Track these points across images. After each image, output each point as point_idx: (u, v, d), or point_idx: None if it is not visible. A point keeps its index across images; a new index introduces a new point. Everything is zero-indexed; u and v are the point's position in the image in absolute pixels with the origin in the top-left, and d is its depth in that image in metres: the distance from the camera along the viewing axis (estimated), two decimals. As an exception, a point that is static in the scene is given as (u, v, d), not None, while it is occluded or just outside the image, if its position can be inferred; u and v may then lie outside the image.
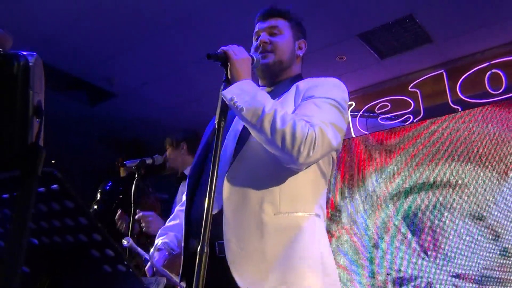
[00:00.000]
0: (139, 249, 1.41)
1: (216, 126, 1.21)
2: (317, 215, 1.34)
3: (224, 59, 1.34)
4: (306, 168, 1.29)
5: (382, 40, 4.21)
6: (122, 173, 2.88)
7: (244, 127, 1.37)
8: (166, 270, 1.37)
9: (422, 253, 3.90)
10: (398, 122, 4.63)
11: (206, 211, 1.07)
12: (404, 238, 4.04)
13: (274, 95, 1.42)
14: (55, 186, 0.79)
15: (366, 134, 4.76)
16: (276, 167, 1.28)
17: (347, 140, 4.74)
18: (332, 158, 1.45)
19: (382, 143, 4.52)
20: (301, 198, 1.32)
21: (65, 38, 4.21)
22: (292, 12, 1.61)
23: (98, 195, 2.78)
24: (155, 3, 3.76)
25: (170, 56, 4.48)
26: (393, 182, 4.29)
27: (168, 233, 1.53)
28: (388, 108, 4.71)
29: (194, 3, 3.75)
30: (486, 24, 3.93)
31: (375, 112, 4.80)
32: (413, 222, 4.03)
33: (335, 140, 1.27)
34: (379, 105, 4.78)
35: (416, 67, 4.57)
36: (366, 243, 4.26)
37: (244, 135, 1.36)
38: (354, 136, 4.83)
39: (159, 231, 1.54)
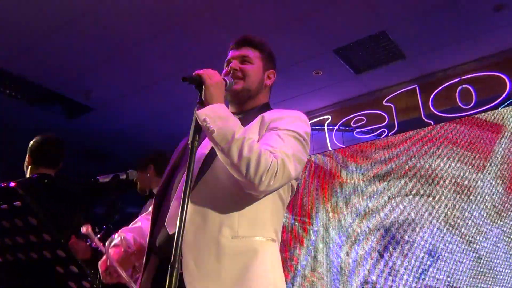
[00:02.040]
0: (96, 239, 1.42)
1: (189, 146, 1.24)
2: (273, 240, 1.39)
3: (199, 82, 1.37)
4: (265, 195, 1.34)
5: (357, 56, 4.31)
6: None
7: (209, 151, 1.41)
8: (119, 267, 1.38)
9: (394, 265, 3.95)
10: (373, 135, 4.71)
11: (178, 229, 1.10)
12: (377, 249, 4.09)
13: (242, 122, 1.44)
14: (17, 202, 0.79)
15: (342, 147, 4.82)
16: (237, 192, 1.32)
17: (323, 153, 4.80)
18: (292, 186, 1.52)
19: (357, 156, 4.59)
20: (259, 223, 1.37)
21: (41, 51, 4.18)
22: (264, 43, 1.66)
23: None
24: (131, 18, 3.77)
25: (146, 70, 4.49)
26: (366, 194, 4.35)
27: (127, 233, 1.55)
28: (364, 122, 4.80)
29: (169, 19, 3.78)
30: (457, 41, 4.06)
31: (351, 126, 4.87)
32: (385, 234, 4.08)
33: (295, 171, 1.33)
34: (355, 119, 4.86)
35: (390, 82, 4.68)
36: (337, 252, 4.30)
37: (209, 159, 1.40)
38: (330, 149, 4.89)
39: (119, 231, 1.55)
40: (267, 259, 1.33)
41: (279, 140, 1.35)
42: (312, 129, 5.28)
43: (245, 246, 1.31)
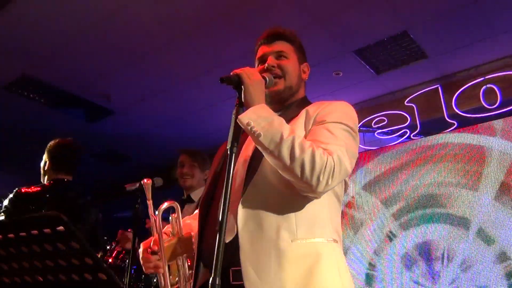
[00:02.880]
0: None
1: (229, 152, 1.18)
2: (335, 241, 1.30)
3: (237, 83, 1.29)
4: (322, 195, 1.25)
5: (378, 56, 4.26)
6: None
7: (254, 153, 1.34)
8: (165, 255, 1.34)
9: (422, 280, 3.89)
10: (395, 136, 4.66)
11: (218, 242, 1.04)
12: (403, 260, 4.04)
13: (285, 118, 1.36)
14: (60, 227, 0.80)
15: (364, 149, 4.78)
16: (291, 193, 1.25)
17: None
18: (345, 181, 1.43)
19: (383, 160, 4.53)
20: (318, 223, 1.28)
21: (63, 57, 4.23)
22: (295, 35, 1.58)
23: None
24: (150, 24, 3.79)
25: (165, 74, 4.51)
26: (394, 201, 4.29)
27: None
28: (385, 122, 4.75)
29: (187, 24, 3.78)
30: (480, 40, 3.99)
31: (372, 127, 4.82)
32: (415, 246, 4.02)
33: (351, 166, 1.26)
34: (376, 120, 4.81)
35: (412, 82, 4.62)
36: (362, 263, 4.26)
37: (255, 161, 1.32)
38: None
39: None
40: (333, 263, 1.25)
41: (330, 135, 1.27)
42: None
43: (307, 249, 1.23)
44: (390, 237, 4.17)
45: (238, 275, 1.21)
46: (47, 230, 0.81)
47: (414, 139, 4.48)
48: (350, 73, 4.50)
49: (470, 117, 4.15)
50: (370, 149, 4.72)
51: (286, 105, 1.51)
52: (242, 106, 1.27)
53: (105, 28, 3.85)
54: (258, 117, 1.22)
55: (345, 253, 4.29)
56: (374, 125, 4.81)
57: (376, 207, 4.34)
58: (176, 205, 1.43)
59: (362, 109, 4.99)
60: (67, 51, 4.15)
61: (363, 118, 4.88)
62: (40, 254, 0.87)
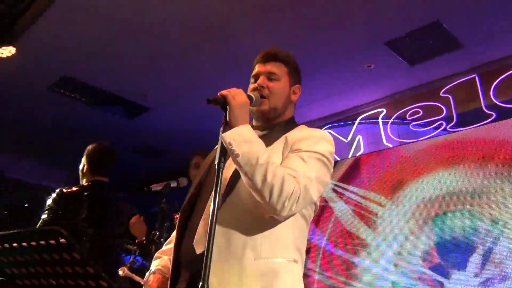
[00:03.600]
0: (135, 276, 1.50)
1: (216, 167, 1.26)
2: (295, 261, 1.40)
3: (223, 103, 1.37)
4: (285, 219, 1.36)
5: (411, 47, 4.16)
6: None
7: (234, 172, 1.41)
8: None
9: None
10: (431, 128, 4.54)
11: (207, 250, 1.14)
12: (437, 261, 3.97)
13: (266, 140, 1.46)
14: (62, 240, 0.88)
15: (399, 142, 4.70)
16: (260, 214, 1.34)
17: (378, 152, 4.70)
18: (315, 203, 1.52)
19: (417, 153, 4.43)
20: (281, 244, 1.38)
21: (101, 57, 4.41)
22: (291, 56, 1.64)
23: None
24: (183, 23, 3.88)
25: (198, 70, 4.60)
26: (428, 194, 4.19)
27: (163, 257, 1.59)
28: (420, 114, 4.63)
29: (219, 19, 3.84)
30: (518, 27, 3.81)
31: (406, 119, 4.73)
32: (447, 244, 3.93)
33: (317, 195, 1.37)
34: (410, 112, 4.71)
35: (447, 72, 4.48)
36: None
37: (233, 180, 1.41)
38: (385, 143, 4.78)
39: (155, 254, 1.62)
40: (288, 281, 1.35)
41: (302, 163, 1.36)
42: (366, 123, 5.19)
43: (267, 268, 1.33)
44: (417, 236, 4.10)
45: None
46: (52, 242, 0.89)
47: (451, 131, 4.36)
48: (382, 65, 4.42)
49: (510, 107, 3.99)
50: (406, 142, 4.64)
51: (272, 124, 1.57)
52: (228, 126, 1.35)
53: (141, 29, 3.98)
54: (240, 138, 1.30)
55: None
56: (408, 117, 4.71)
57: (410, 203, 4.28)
58: (160, 264, 1.56)
59: (396, 100, 4.90)
60: (105, 51, 4.32)
61: (397, 110, 4.80)
62: (49, 262, 0.96)
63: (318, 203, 1.54)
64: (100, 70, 4.66)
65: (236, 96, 1.38)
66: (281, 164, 1.38)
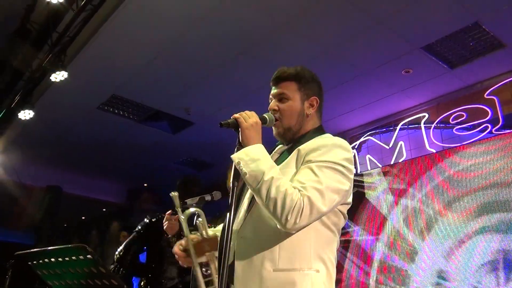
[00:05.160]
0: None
1: (231, 187, 1.37)
2: (317, 271, 1.39)
3: (236, 126, 1.44)
4: (298, 231, 1.36)
5: (451, 50, 4.08)
6: None
7: None
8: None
9: None
10: (476, 132, 4.40)
11: (222, 263, 1.25)
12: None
13: (285, 156, 1.53)
14: (89, 256, 0.99)
15: (442, 147, 4.59)
16: (277, 228, 1.38)
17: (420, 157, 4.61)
18: (340, 211, 1.49)
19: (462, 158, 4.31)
20: (299, 255, 1.39)
21: (145, 76, 4.65)
22: (300, 71, 1.64)
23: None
24: (222, 39, 4.03)
25: (239, 84, 4.73)
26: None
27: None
28: (464, 118, 4.50)
29: (260, 32, 3.95)
30: None
31: (450, 123, 4.61)
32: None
33: (328, 204, 1.35)
34: (454, 115, 4.59)
35: (491, 74, 4.34)
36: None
37: (253, 197, 1.47)
38: (428, 148, 4.69)
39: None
40: None
41: (311, 175, 1.37)
42: (407, 128, 5.09)
43: (285, 279, 1.36)
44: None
45: None
46: (81, 257, 1.01)
47: (497, 133, 4.21)
48: (421, 70, 4.36)
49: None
50: (449, 147, 4.52)
51: (292, 140, 1.61)
52: (241, 147, 1.42)
53: (182, 47, 4.17)
54: (247, 158, 1.37)
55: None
56: (452, 121, 4.59)
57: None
58: (200, 211, 1.70)
59: (439, 105, 4.80)
60: (150, 70, 4.56)
61: (440, 115, 4.69)
62: (81, 275, 1.08)
63: (344, 211, 1.51)
64: (146, 88, 4.91)
65: (248, 118, 1.45)
66: (294, 177, 1.42)
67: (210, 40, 4.07)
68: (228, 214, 1.30)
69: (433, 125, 4.75)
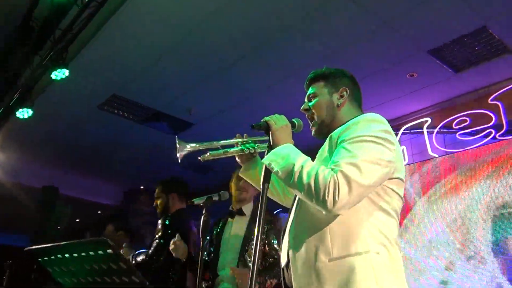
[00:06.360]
0: None
1: (261, 187, 1.36)
2: (376, 253, 1.31)
3: (266, 128, 1.48)
4: (346, 211, 1.28)
5: (456, 54, 4.07)
6: None
7: None
8: None
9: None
10: (479, 137, 4.38)
11: (252, 264, 1.23)
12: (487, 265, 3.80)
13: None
14: (109, 250, 0.94)
15: (446, 151, 4.56)
16: (324, 216, 1.34)
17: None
18: (390, 188, 1.40)
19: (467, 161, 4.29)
20: (354, 239, 1.33)
21: (146, 76, 4.59)
22: (324, 70, 1.68)
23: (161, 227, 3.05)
24: (224, 41, 3.99)
25: (241, 86, 4.69)
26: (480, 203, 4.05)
27: None
28: (467, 123, 4.48)
29: (263, 35, 3.91)
30: None
31: (453, 128, 4.59)
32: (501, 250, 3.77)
33: (367, 177, 1.27)
34: (457, 120, 4.56)
35: (496, 79, 4.33)
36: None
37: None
38: (431, 153, 4.66)
39: None
40: (368, 274, 1.28)
41: (345, 152, 1.32)
42: (410, 133, 5.06)
43: (342, 266, 1.30)
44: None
45: None
46: (100, 252, 0.95)
47: (501, 139, 4.20)
48: (426, 74, 4.34)
49: None
50: (452, 152, 4.50)
51: (331, 132, 1.58)
52: (272, 148, 1.43)
53: (185, 49, 4.13)
54: (277, 157, 1.37)
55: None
56: (455, 126, 4.57)
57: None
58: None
59: (442, 109, 4.78)
60: (151, 71, 4.51)
61: (443, 119, 4.67)
62: (98, 271, 1.02)
63: (396, 190, 1.42)
64: (147, 89, 4.86)
65: (278, 121, 1.48)
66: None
67: (214, 41, 4.03)
68: (259, 214, 1.30)
69: (435, 130, 4.73)
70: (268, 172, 1.39)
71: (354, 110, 1.64)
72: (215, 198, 2.37)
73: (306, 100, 1.68)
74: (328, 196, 1.23)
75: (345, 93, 1.62)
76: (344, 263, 1.30)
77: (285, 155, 1.37)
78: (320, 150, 1.55)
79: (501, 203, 3.89)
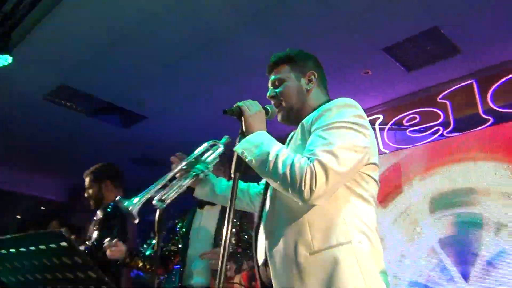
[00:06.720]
0: None
1: (232, 176, 1.31)
2: (358, 242, 1.28)
3: (239, 114, 1.43)
4: (323, 200, 1.24)
5: (409, 53, 4.17)
6: None
7: None
8: None
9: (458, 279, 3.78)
10: (428, 134, 4.54)
11: (221, 261, 1.17)
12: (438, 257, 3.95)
13: (295, 136, 1.50)
14: (64, 243, 0.85)
15: (396, 147, 4.69)
16: (301, 207, 1.30)
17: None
18: (367, 174, 1.38)
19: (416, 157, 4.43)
20: (334, 229, 1.29)
21: (97, 65, 4.38)
22: (289, 52, 1.62)
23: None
24: (180, 32, 3.87)
25: (197, 79, 4.59)
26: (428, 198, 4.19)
27: None
28: (417, 120, 4.63)
29: (219, 29, 3.83)
30: (516, 32, 3.82)
31: (403, 125, 4.72)
32: (448, 242, 3.92)
33: (343, 164, 1.23)
34: (407, 118, 4.71)
35: (445, 78, 4.48)
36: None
37: (272, 188, 1.42)
38: (382, 149, 4.77)
39: None
40: (352, 264, 1.24)
41: (320, 140, 1.28)
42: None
43: (325, 258, 1.26)
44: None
45: None
46: (53, 245, 0.86)
47: (448, 136, 4.36)
48: (380, 72, 4.42)
49: (507, 112, 3.99)
50: (403, 148, 4.63)
51: (301, 119, 1.54)
52: (244, 135, 1.38)
53: (138, 38, 3.96)
54: (250, 145, 1.32)
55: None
56: (406, 123, 4.71)
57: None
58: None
59: (394, 107, 4.90)
60: (103, 61, 4.30)
61: (394, 117, 4.80)
62: (49, 267, 0.92)
63: (372, 175, 1.40)
64: (97, 79, 4.64)
65: (251, 107, 1.44)
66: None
67: (169, 32, 3.90)
68: (228, 209, 1.24)
69: (387, 127, 4.85)
70: (240, 160, 1.34)
71: (322, 95, 1.62)
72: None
73: (270, 86, 1.61)
74: (305, 186, 1.19)
75: (313, 77, 1.59)
76: (327, 255, 1.26)
77: (259, 143, 1.32)
78: (290, 137, 1.51)
79: (445, 197, 4.04)
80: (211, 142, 1.62)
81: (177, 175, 1.62)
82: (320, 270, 1.24)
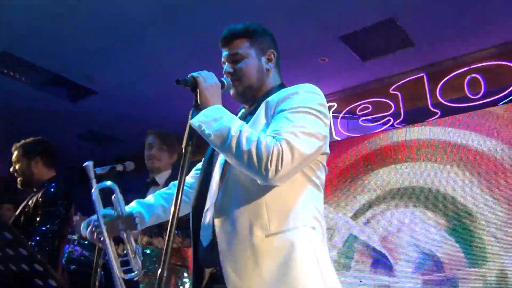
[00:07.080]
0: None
1: (183, 151, 1.23)
2: (312, 227, 1.30)
3: (194, 85, 1.35)
4: (284, 182, 1.24)
5: (364, 43, 4.22)
6: None
7: None
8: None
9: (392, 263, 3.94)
10: (379, 124, 4.65)
11: (167, 243, 1.11)
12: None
13: (252, 114, 1.43)
14: (8, 235, 0.78)
15: (348, 136, 4.78)
16: (260, 188, 1.28)
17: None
18: (320, 163, 1.40)
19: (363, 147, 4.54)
20: (291, 214, 1.28)
21: (45, 34, 4.14)
22: (249, 26, 1.55)
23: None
24: (136, 3, 3.71)
25: (151, 54, 4.44)
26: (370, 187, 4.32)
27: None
28: (370, 110, 4.73)
29: (175, 4, 3.71)
30: (467, 29, 3.96)
31: (356, 114, 4.81)
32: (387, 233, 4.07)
33: (308, 148, 1.24)
34: (360, 107, 4.79)
35: (398, 70, 4.59)
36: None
37: (226, 164, 1.36)
38: (335, 137, 4.85)
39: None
40: (308, 250, 1.25)
41: (286, 121, 1.27)
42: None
43: (280, 241, 1.25)
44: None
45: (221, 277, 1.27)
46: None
47: (398, 127, 4.49)
48: (336, 59, 4.46)
49: (454, 106, 4.15)
50: (354, 136, 4.73)
51: (256, 99, 1.52)
52: (198, 108, 1.31)
53: (90, 7, 3.76)
54: (208, 119, 1.26)
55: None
56: (358, 112, 4.79)
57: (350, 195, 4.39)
58: (114, 186, 1.58)
59: (347, 96, 4.98)
60: (51, 29, 4.06)
61: (349, 105, 4.87)
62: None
63: (324, 163, 1.42)
64: (44, 48, 4.38)
65: (207, 78, 1.36)
66: (267, 129, 1.32)
67: (121, 6, 3.73)
68: (178, 181, 1.17)
69: (340, 115, 4.92)
70: (192, 132, 1.27)
71: (278, 77, 1.60)
72: (119, 168, 2.17)
73: (226, 60, 1.54)
74: (270, 165, 1.17)
75: (272, 56, 1.56)
76: (283, 238, 1.25)
77: (218, 117, 1.26)
78: (248, 118, 1.46)
79: (395, 188, 4.18)
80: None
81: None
82: (276, 252, 1.23)
